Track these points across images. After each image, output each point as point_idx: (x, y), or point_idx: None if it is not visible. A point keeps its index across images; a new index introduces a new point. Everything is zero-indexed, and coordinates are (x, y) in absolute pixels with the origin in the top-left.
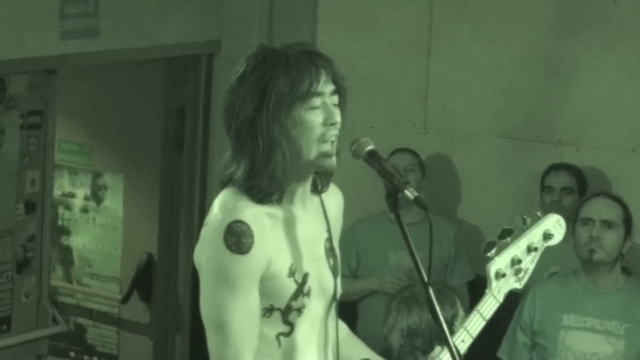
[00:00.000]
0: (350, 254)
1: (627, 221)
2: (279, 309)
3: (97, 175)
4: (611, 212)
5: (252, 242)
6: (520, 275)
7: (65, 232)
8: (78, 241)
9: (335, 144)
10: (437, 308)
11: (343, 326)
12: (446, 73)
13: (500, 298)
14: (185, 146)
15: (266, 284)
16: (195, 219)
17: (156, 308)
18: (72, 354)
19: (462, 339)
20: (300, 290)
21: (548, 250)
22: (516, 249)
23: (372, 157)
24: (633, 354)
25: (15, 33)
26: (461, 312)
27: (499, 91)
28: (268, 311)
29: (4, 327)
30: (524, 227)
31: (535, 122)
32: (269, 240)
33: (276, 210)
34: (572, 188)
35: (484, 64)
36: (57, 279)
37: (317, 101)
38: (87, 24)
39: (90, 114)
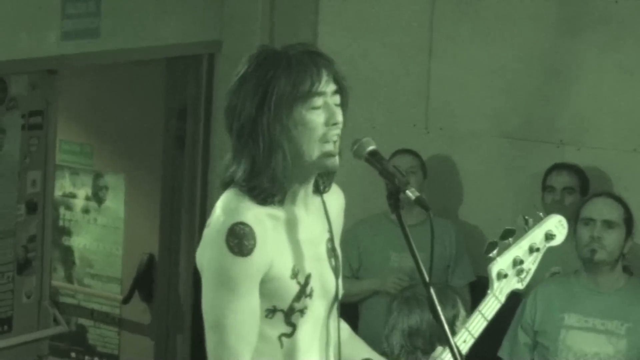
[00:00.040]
0: (351, 255)
1: (628, 221)
2: (281, 310)
3: (98, 176)
4: (612, 212)
5: (254, 245)
6: (522, 276)
7: (67, 232)
8: (79, 241)
9: (337, 144)
10: (439, 308)
11: (345, 326)
12: (447, 73)
13: (502, 298)
14: (186, 146)
15: (269, 286)
16: (196, 219)
17: (157, 308)
18: (73, 354)
19: (464, 339)
20: (303, 292)
21: (549, 250)
22: (518, 249)
23: (374, 158)
24: (634, 354)
25: (16, 33)
26: (462, 312)
27: (500, 91)
28: (270, 312)
29: (5, 327)
30: (525, 228)
31: (537, 122)
32: (271, 242)
33: (278, 212)
34: (574, 188)
35: (485, 64)
36: (58, 280)
37: (318, 101)
38: (88, 24)
39: (92, 114)
